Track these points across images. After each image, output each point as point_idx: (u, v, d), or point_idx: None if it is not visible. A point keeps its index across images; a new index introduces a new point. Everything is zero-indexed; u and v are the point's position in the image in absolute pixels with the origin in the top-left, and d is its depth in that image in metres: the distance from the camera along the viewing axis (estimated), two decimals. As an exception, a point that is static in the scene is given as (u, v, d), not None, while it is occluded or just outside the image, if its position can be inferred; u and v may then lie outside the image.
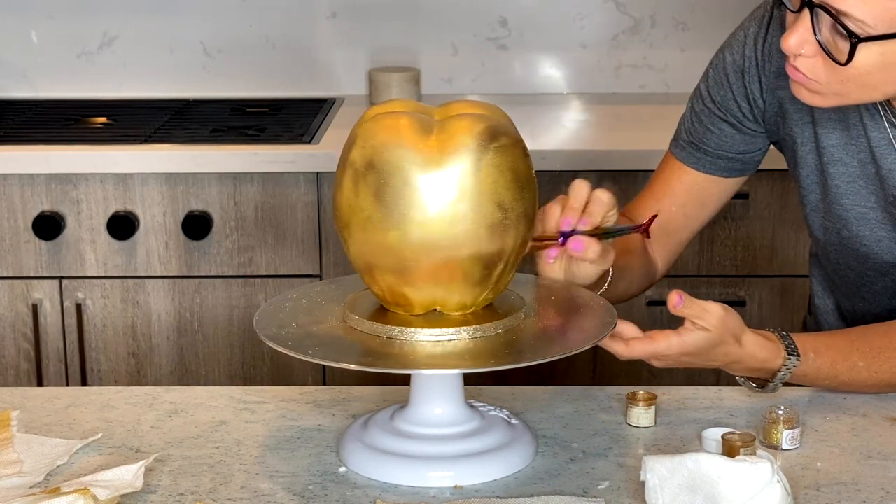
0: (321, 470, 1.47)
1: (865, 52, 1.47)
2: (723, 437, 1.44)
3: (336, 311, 1.51)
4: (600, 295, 1.67)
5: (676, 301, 1.49)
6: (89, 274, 2.82)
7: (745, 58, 1.74)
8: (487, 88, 3.33)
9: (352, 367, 1.38)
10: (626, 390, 1.62)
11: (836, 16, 1.46)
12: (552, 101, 3.28)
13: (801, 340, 1.59)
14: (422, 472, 1.43)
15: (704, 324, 1.50)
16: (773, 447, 1.51)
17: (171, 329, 2.85)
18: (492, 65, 3.33)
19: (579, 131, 3.13)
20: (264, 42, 3.32)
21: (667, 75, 3.32)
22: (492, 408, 1.54)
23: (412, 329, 1.44)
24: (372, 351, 1.42)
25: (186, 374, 2.87)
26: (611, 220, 1.61)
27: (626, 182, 2.75)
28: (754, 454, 1.40)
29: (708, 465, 1.31)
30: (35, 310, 2.83)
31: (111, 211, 2.79)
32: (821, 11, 1.47)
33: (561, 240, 1.59)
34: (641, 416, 1.57)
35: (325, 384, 2.71)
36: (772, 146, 1.82)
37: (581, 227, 1.59)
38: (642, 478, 1.34)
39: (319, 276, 2.83)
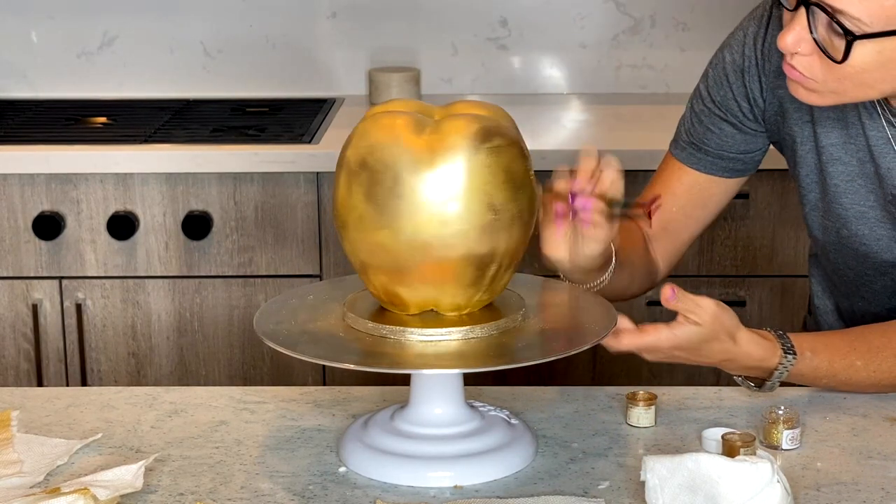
0: (321, 470, 1.47)
1: (861, 49, 1.47)
2: (723, 437, 1.44)
3: (336, 311, 1.51)
4: (601, 283, 1.66)
5: (669, 295, 1.50)
6: (89, 274, 2.82)
7: (745, 57, 1.74)
8: (487, 88, 3.33)
9: (351, 367, 1.38)
10: (626, 390, 1.62)
11: (831, 14, 1.46)
12: (552, 101, 3.28)
13: (799, 339, 1.59)
14: (422, 472, 1.44)
15: (696, 318, 1.51)
16: (773, 447, 1.51)
17: (171, 329, 2.85)
18: (492, 65, 3.33)
19: (579, 131, 3.13)
20: (264, 42, 3.32)
21: (667, 75, 3.32)
22: (492, 408, 1.54)
23: (411, 329, 1.44)
24: (372, 351, 1.43)
25: (186, 374, 2.87)
26: (618, 190, 1.59)
27: (627, 182, 2.73)
28: (754, 454, 1.40)
29: (708, 465, 1.31)
30: (35, 310, 2.83)
31: (111, 211, 2.79)
32: (817, 9, 1.47)
33: (571, 200, 1.56)
34: (641, 416, 1.57)
35: (325, 384, 2.71)
36: (772, 146, 1.82)
37: (588, 191, 1.57)
38: (642, 478, 1.34)
39: (319, 277, 2.83)
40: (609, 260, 1.68)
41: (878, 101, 1.63)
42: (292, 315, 1.51)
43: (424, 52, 3.32)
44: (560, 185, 1.57)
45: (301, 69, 3.33)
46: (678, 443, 1.53)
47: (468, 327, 1.44)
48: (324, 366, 2.73)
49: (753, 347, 1.55)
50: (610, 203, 1.58)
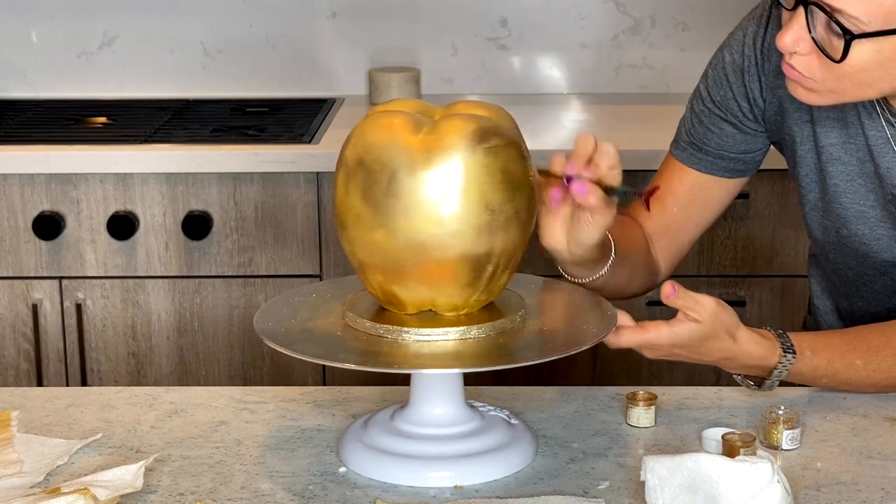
0: (321, 470, 1.47)
1: (860, 48, 1.47)
2: (723, 437, 1.44)
3: (336, 311, 1.51)
4: (599, 276, 1.66)
5: (670, 291, 1.50)
6: (89, 274, 2.82)
7: (745, 57, 1.74)
8: (487, 88, 3.33)
9: (351, 366, 1.38)
10: (626, 390, 1.62)
11: (830, 13, 1.46)
12: (552, 101, 3.28)
13: (799, 339, 1.59)
14: (422, 472, 1.43)
15: (696, 315, 1.51)
16: (773, 447, 1.51)
17: (171, 329, 2.85)
18: (492, 65, 3.33)
19: (579, 131, 3.11)
20: (264, 42, 3.32)
21: (667, 75, 3.32)
22: (492, 408, 1.54)
23: (411, 329, 1.44)
24: (372, 351, 1.43)
25: (186, 374, 2.87)
26: (616, 177, 1.58)
27: (626, 182, 2.74)
28: (754, 454, 1.40)
29: (708, 465, 1.31)
30: (35, 310, 2.83)
31: (111, 211, 2.79)
32: (815, 9, 1.47)
33: (567, 181, 1.55)
34: (641, 416, 1.57)
35: (325, 384, 2.71)
36: (772, 147, 1.82)
37: (585, 175, 1.56)
38: (642, 478, 1.34)
39: (319, 277, 2.83)
40: (607, 252, 1.68)
41: (878, 100, 1.63)
42: (292, 315, 1.51)
43: (424, 52, 3.32)
44: (555, 168, 1.55)
45: (301, 69, 3.33)
46: (678, 443, 1.53)
47: (468, 327, 1.44)
48: (324, 366, 2.73)
49: (753, 346, 1.55)
50: (607, 190, 1.57)
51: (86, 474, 1.43)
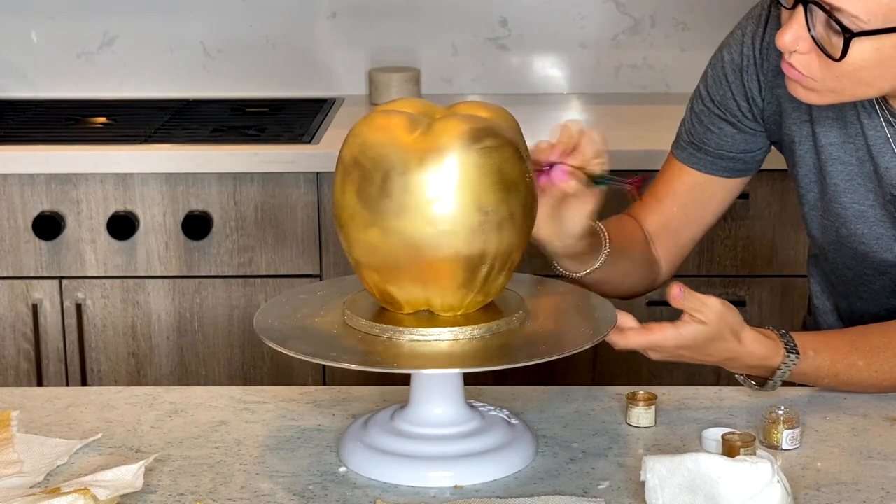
0: (321, 470, 1.47)
1: (859, 47, 1.47)
2: (723, 437, 1.44)
3: (336, 310, 1.51)
4: (593, 269, 1.66)
5: (677, 293, 1.49)
6: (89, 274, 2.82)
7: (744, 56, 1.74)
8: (487, 88, 3.33)
9: (351, 366, 1.38)
10: (626, 390, 1.62)
11: (829, 11, 1.46)
12: (552, 101, 3.28)
13: (801, 339, 1.59)
14: (422, 472, 1.43)
15: (702, 317, 1.51)
16: (773, 447, 1.51)
17: (171, 329, 2.85)
18: (492, 65, 3.33)
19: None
20: (264, 42, 3.32)
21: (667, 75, 3.32)
22: (492, 408, 1.54)
23: (411, 329, 1.44)
24: (372, 351, 1.43)
25: (186, 374, 2.87)
26: (600, 165, 1.59)
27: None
28: (754, 454, 1.40)
29: (708, 465, 1.31)
30: (35, 310, 2.83)
31: (111, 211, 2.79)
32: (815, 7, 1.47)
33: (548, 168, 1.56)
34: (641, 416, 1.57)
35: (325, 384, 2.71)
36: (773, 147, 1.82)
37: (568, 162, 1.57)
38: (642, 478, 1.34)
39: (319, 277, 2.83)
40: (599, 245, 1.68)
41: (877, 100, 1.63)
42: (292, 315, 1.51)
43: (424, 52, 3.32)
44: (538, 156, 1.56)
45: (301, 69, 3.33)
46: (678, 443, 1.53)
47: (468, 327, 1.44)
48: (324, 366, 2.73)
49: (757, 346, 1.55)
50: (592, 178, 1.57)
51: (86, 474, 1.43)
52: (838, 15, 1.46)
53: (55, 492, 1.33)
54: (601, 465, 1.48)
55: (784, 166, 1.82)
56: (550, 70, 3.33)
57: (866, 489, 1.43)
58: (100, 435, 1.55)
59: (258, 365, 2.88)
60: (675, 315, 1.53)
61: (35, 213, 2.79)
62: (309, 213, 2.80)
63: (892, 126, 1.64)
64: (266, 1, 3.29)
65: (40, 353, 2.85)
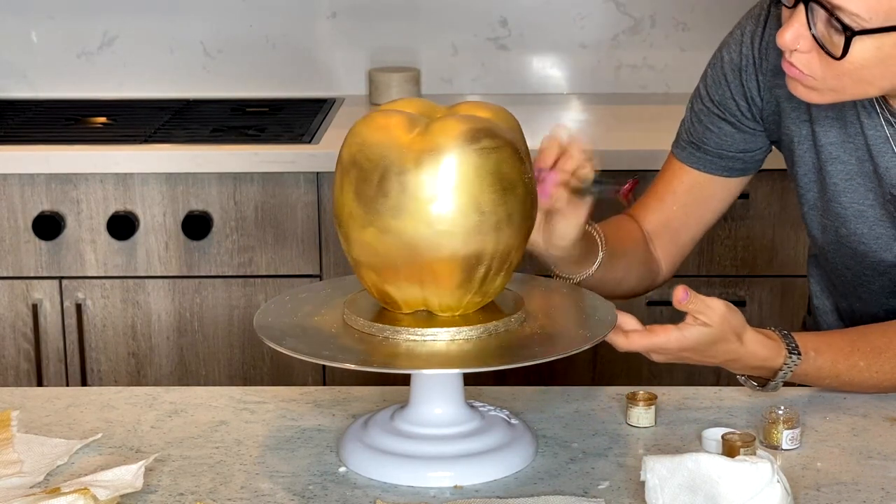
0: (321, 470, 1.47)
1: (860, 45, 1.47)
2: (723, 437, 1.44)
3: (336, 310, 1.51)
4: (590, 273, 1.66)
5: (682, 296, 1.49)
6: (89, 274, 2.82)
7: (743, 56, 1.74)
8: (487, 88, 3.33)
9: (351, 366, 1.38)
10: (626, 390, 1.62)
11: (830, 10, 1.46)
12: (552, 101, 3.28)
13: (803, 339, 1.59)
14: (422, 472, 1.43)
15: (706, 319, 1.50)
16: (773, 447, 1.51)
17: (171, 329, 2.85)
18: (492, 65, 3.33)
19: (579, 131, 3.12)
20: (264, 42, 3.32)
21: (667, 75, 3.32)
22: (492, 408, 1.54)
23: (411, 329, 1.44)
24: (372, 351, 1.43)
25: (186, 374, 2.87)
26: (586, 175, 1.60)
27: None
28: (754, 454, 1.40)
29: (708, 465, 1.31)
30: (35, 310, 2.83)
31: (111, 211, 2.79)
32: (815, 6, 1.47)
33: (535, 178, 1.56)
34: (641, 416, 1.57)
35: (325, 384, 2.71)
36: (775, 146, 1.82)
37: (552, 178, 1.57)
38: (642, 478, 1.34)
39: (319, 277, 2.83)
40: (595, 250, 1.68)
41: (877, 100, 1.63)
42: (292, 315, 1.51)
43: (424, 52, 3.32)
44: None
45: (301, 69, 3.33)
46: (678, 443, 1.53)
47: (467, 327, 1.44)
48: (324, 366, 2.73)
49: (759, 347, 1.55)
50: (576, 190, 1.57)
51: (86, 474, 1.43)
52: (839, 13, 1.46)
53: (55, 492, 1.33)
54: (601, 465, 1.48)
55: (784, 166, 1.82)
56: (550, 70, 3.33)
57: (866, 489, 1.43)
58: (100, 435, 1.55)
59: (258, 365, 2.88)
60: (676, 315, 1.53)
61: (35, 213, 2.79)
62: (309, 213, 2.80)
63: (892, 126, 1.64)
64: (266, 1, 3.29)
65: (40, 353, 2.85)
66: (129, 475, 1.41)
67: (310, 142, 2.84)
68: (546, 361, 1.41)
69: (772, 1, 1.71)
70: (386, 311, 1.49)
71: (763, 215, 2.80)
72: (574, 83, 3.33)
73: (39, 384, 2.85)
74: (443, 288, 1.44)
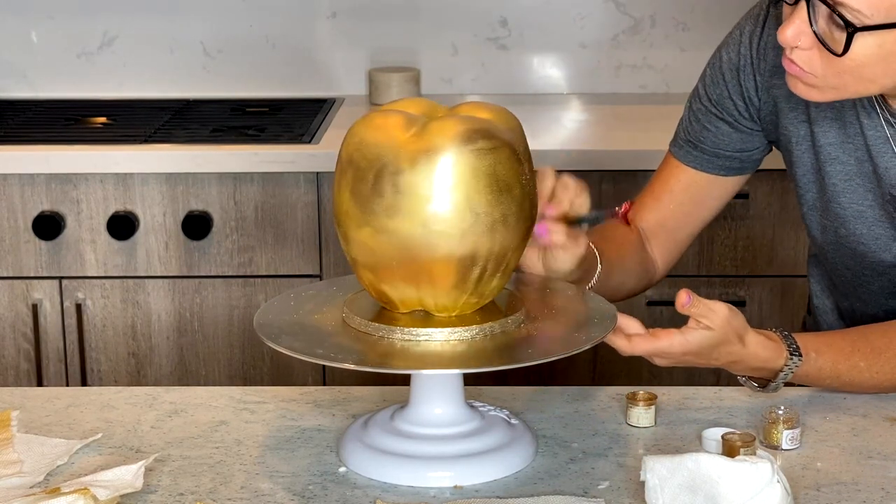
0: (321, 470, 1.47)
1: (862, 42, 1.47)
2: (723, 437, 1.44)
3: (336, 310, 1.51)
4: (588, 288, 1.67)
5: (685, 300, 1.49)
6: (89, 274, 2.82)
7: (741, 56, 1.74)
8: (487, 88, 3.33)
9: (351, 367, 1.38)
10: (626, 390, 1.62)
11: (832, 6, 1.46)
12: (552, 101, 3.28)
13: (803, 340, 1.59)
14: (422, 472, 1.43)
15: (709, 322, 1.50)
16: (773, 447, 1.51)
17: (171, 329, 2.85)
18: (492, 65, 3.33)
19: (579, 131, 3.13)
20: (264, 42, 3.32)
21: (667, 75, 3.32)
22: (492, 408, 1.54)
23: (411, 329, 1.44)
24: (371, 351, 1.43)
25: (186, 374, 2.87)
26: (581, 206, 1.61)
27: (626, 182, 2.75)
28: (754, 454, 1.40)
29: (708, 465, 1.31)
30: (35, 310, 2.83)
31: (111, 211, 2.79)
32: (817, 2, 1.47)
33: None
34: (641, 416, 1.57)
35: (325, 384, 2.71)
36: (774, 146, 1.82)
37: (548, 214, 1.59)
38: (642, 478, 1.34)
39: (319, 276, 2.83)
40: (592, 268, 1.69)
41: (877, 100, 1.63)
42: (292, 315, 1.51)
43: (424, 52, 3.32)
44: None
45: (301, 69, 3.33)
46: (678, 443, 1.53)
47: (467, 327, 1.44)
48: (324, 366, 2.73)
49: (760, 349, 1.55)
50: (573, 221, 1.59)
51: (86, 474, 1.43)
52: (841, 9, 1.46)
53: (55, 492, 1.33)
54: (601, 465, 1.48)
55: (784, 166, 1.82)
56: (550, 70, 3.33)
57: (866, 489, 1.43)
58: (100, 435, 1.55)
59: (258, 365, 2.88)
60: (676, 315, 1.53)
61: (35, 213, 2.79)
62: (309, 213, 2.80)
63: (892, 126, 1.64)
64: (266, 1, 3.29)
65: (40, 353, 2.85)
66: (129, 475, 1.41)
67: (310, 142, 2.84)
68: (545, 361, 1.41)
69: (771, 1, 1.71)
70: (385, 311, 1.49)
71: (763, 215, 2.80)
72: (574, 83, 3.33)
73: (39, 384, 2.85)
74: (438, 288, 1.44)
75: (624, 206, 1.62)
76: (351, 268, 1.50)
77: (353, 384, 1.73)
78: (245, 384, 2.73)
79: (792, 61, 1.53)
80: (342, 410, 1.62)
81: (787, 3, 1.52)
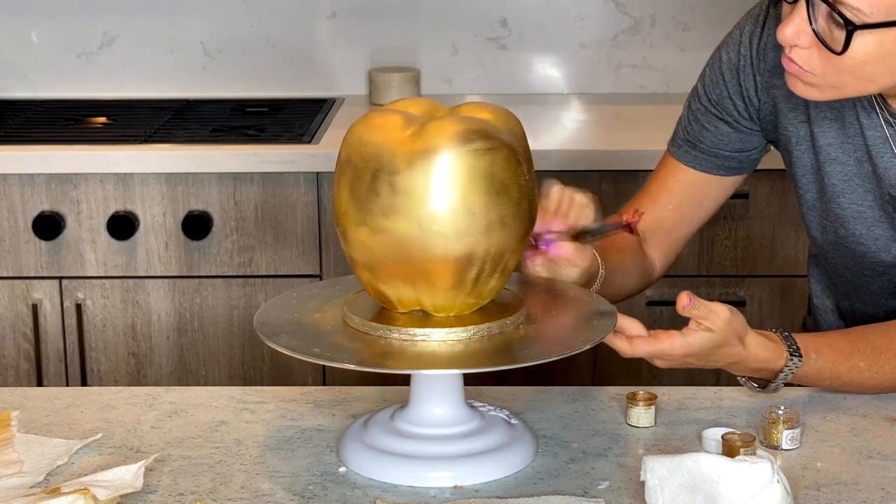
0: (321, 470, 1.47)
1: (861, 40, 1.47)
2: (723, 437, 1.44)
3: (336, 310, 1.51)
4: (591, 292, 1.67)
5: (686, 303, 1.49)
6: (89, 274, 2.82)
7: (741, 56, 1.74)
8: (487, 88, 3.33)
9: (351, 367, 1.38)
10: (626, 390, 1.62)
11: (832, 4, 1.46)
12: (552, 101, 3.28)
13: (803, 341, 1.59)
14: (422, 472, 1.43)
15: (710, 324, 1.50)
16: (773, 447, 1.51)
17: (171, 329, 2.85)
18: (492, 65, 3.33)
19: (579, 131, 3.13)
20: (264, 42, 3.32)
21: (667, 75, 3.32)
22: (492, 408, 1.54)
23: (411, 329, 1.44)
24: (371, 351, 1.43)
25: (186, 374, 2.87)
26: (588, 219, 1.62)
27: (626, 182, 2.75)
28: (754, 454, 1.40)
29: (708, 465, 1.31)
30: (35, 310, 2.83)
31: (111, 211, 2.79)
32: (817, 0, 1.47)
33: (535, 243, 1.60)
34: (641, 416, 1.57)
35: (325, 384, 2.71)
36: (773, 146, 1.82)
37: (556, 229, 1.60)
38: (642, 478, 1.34)
39: (319, 276, 2.83)
40: (595, 273, 1.69)
41: (877, 100, 1.63)
42: (292, 315, 1.51)
43: (424, 52, 3.32)
44: None
45: (301, 69, 3.33)
46: (678, 443, 1.53)
47: (468, 327, 1.44)
48: (324, 366, 2.73)
49: (761, 350, 1.55)
50: (581, 234, 1.60)
51: (86, 474, 1.43)
52: (840, 7, 1.46)
53: (55, 492, 1.33)
54: (601, 465, 1.48)
55: (784, 166, 1.82)
56: (550, 70, 3.33)
57: (866, 489, 1.43)
58: (100, 435, 1.55)
59: (258, 365, 2.88)
60: (676, 314, 1.53)
61: (35, 213, 2.79)
62: (309, 213, 2.80)
63: (892, 126, 1.64)
64: (266, 1, 3.29)
65: (40, 353, 2.85)
66: (129, 475, 1.41)
67: (310, 142, 2.84)
68: (546, 362, 1.41)
69: (771, 2, 1.71)
70: (385, 311, 1.49)
71: (763, 215, 2.80)
72: (574, 83, 3.33)
73: (39, 384, 2.85)
74: (435, 288, 1.44)
75: (631, 217, 1.62)
76: (350, 267, 1.50)
77: (353, 384, 1.73)
78: (245, 384, 2.73)
79: (791, 60, 1.53)
80: (342, 410, 1.62)
81: (786, 1, 1.52)
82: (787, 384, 1.61)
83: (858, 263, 1.75)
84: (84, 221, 2.79)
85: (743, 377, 1.61)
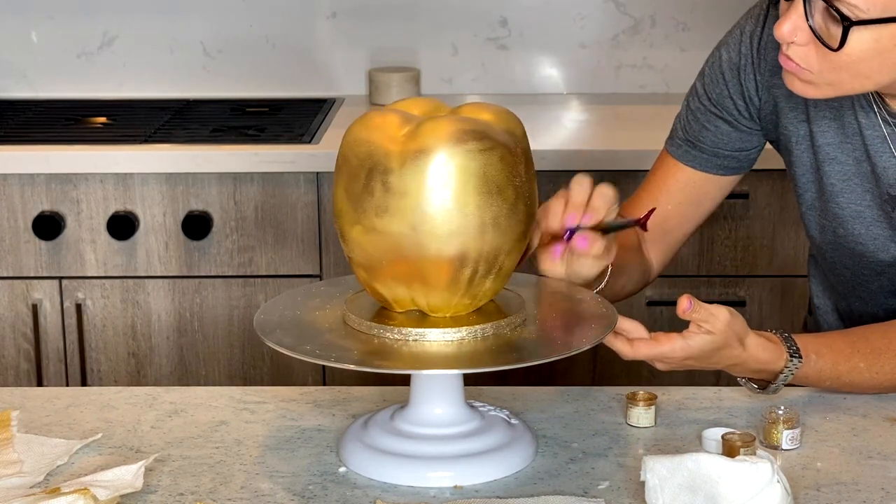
0: (321, 470, 1.47)
1: (858, 37, 1.47)
2: (723, 437, 1.44)
3: (336, 310, 1.51)
4: (597, 292, 1.67)
5: (686, 306, 1.49)
6: (89, 274, 2.82)
7: (741, 55, 1.74)
8: (487, 88, 3.33)
9: (351, 367, 1.38)
10: (626, 390, 1.62)
11: (828, 0, 1.46)
12: (552, 101, 3.28)
13: (803, 342, 1.59)
14: (422, 472, 1.43)
15: (710, 327, 1.50)
16: (773, 447, 1.51)
17: (171, 329, 2.85)
18: (492, 65, 3.33)
19: (579, 131, 3.13)
20: (264, 42, 3.32)
21: (667, 75, 3.32)
22: (492, 408, 1.54)
23: (411, 329, 1.44)
24: (371, 351, 1.42)
25: (186, 374, 2.87)
26: (612, 214, 1.61)
27: (626, 182, 2.74)
28: (754, 454, 1.40)
29: (708, 465, 1.31)
30: (35, 310, 2.83)
31: (111, 211, 2.79)
32: None
33: (567, 237, 1.58)
34: (641, 416, 1.57)
35: (325, 384, 2.71)
36: (770, 145, 1.82)
37: (585, 223, 1.59)
38: (642, 478, 1.34)
39: (319, 276, 2.83)
40: (605, 272, 1.69)
41: (875, 99, 1.63)
42: (292, 315, 1.51)
43: (424, 52, 3.32)
44: (554, 224, 1.57)
45: (301, 69, 3.33)
46: (678, 443, 1.53)
47: (468, 328, 1.44)
48: (323, 366, 2.73)
49: (761, 351, 1.55)
50: (605, 229, 1.59)
51: (86, 474, 1.43)
52: (837, 4, 1.46)
53: (55, 492, 1.33)
54: (601, 465, 1.48)
55: (784, 166, 1.82)
56: (550, 70, 3.33)
57: (866, 489, 1.43)
58: (100, 435, 1.55)
59: (258, 365, 2.88)
60: (675, 315, 1.53)
61: (35, 213, 2.79)
62: (309, 213, 2.80)
63: (890, 125, 1.64)
64: (266, 1, 3.29)
65: (40, 353, 2.85)
66: (129, 475, 1.41)
67: (310, 142, 2.84)
68: (546, 362, 1.41)
69: (771, 1, 1.71)
70: (384, 311, 1.49)
71: (763, 215, 2.80)
72: (574, 83, 3.33)
73: (39, 384, 2.85)
74: (430, 288, 1.44)
75: (650, 213, 1.63)
76: (349, 266, 1.50)
77: (353, 384, 1.73)
78: (245, 384, 2.73)
79: (788, 57, 1.53)
80: (342, 410, 1.62)
81: (784, -1, 1.52)
82: (787, 385, 1.61)
83: (857, 263, 1.75)
84: (84, 221, 2.79)
85: (743, 378, 1.61)
